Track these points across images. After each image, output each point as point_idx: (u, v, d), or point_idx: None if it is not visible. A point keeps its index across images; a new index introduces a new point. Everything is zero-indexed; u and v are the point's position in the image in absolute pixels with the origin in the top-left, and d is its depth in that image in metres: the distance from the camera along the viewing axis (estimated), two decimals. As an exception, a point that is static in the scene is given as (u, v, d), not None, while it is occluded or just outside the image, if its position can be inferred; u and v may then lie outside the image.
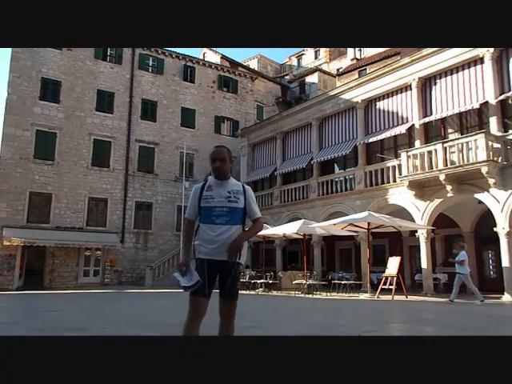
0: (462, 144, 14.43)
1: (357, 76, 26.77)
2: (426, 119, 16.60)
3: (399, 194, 16.89)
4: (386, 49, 29.03)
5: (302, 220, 18.04)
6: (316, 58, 41.90)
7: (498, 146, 13.99)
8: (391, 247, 20.28)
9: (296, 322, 7.54)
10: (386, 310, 10.90)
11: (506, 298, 13.43)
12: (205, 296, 3.00)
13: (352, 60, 34.42)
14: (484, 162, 13.53)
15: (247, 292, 17.79)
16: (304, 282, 16.58)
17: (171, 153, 26.91)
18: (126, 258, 24.60)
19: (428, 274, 16.00)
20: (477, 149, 13.88)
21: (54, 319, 7.74)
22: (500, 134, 14.19)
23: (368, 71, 26.02)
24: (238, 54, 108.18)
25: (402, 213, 16.91)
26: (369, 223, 15.12)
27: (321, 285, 17.00)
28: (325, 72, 36.66)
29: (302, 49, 42.73)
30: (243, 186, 3.24)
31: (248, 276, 19.10)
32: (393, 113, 18.23)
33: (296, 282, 17.37)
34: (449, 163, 14.64)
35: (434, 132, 17.17)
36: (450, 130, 16.94)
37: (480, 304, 11.66)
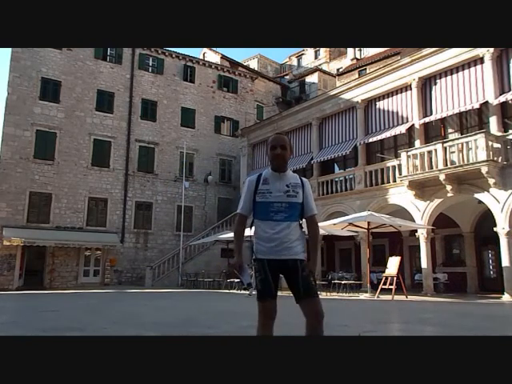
0: (462, 144, 14.43)
1: (357, 76, 26.77)
2: (426, 119, 16.60)
3: (399, 194, 16.89)
4: (385, 49, 29.04)
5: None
6: (316, 57, 41.93)
7: (498, 145, 13.99)
8: (391, 247, 20.29)
9: (296, 322, 7.52)
10: (386, 309, 10.90)
11: (505, 297, 13.43)
12: (272, 298, 2.80)
13: (352, 60, 34.43)
14: (484, 161, 13.53)
15: (248, 292, 17.79)
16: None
17: (171, 153, 26.91)
18: (125, 257, 24.61)
19: (428, 274, 16.00)
20: (477, 149, 13.88)
21: (53, 319, 7.74)
22: (500, 133, 14.19)
23: (368, 71, 26.01)
24: (238, 53, 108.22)
25: (401, 213, 16.91)
26: (369, 223, 15.12)
27: (321, 285, 16.99)
28: (325, 72, 36.67)
29: (301, 49, 42.76)
30: (301, 179, 2.97)
31: (248, 276, 19.09)
32: (393, 113, 18.23)
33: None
34: (449, 163, 14.64)
35: (434, 132, 17.17)
36: (450, 130, 16.95)
37: (248, 296, 13.45)
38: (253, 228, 2.91)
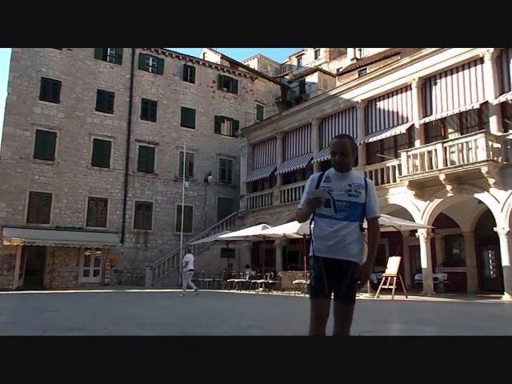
0: (462, 144, 14.43)
1: (357, 76, 26.77)
2: (426, 119, 16.59)
3: (399, 194, 16.89)
4: (385, 49, 29.03)
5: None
6: (316, 57, 41.93)
7: (498, 145, 13.99)
8: (391, 247, 20.28)
9: (296, 322, 7.53)
10: (386, 309, 10.90)
11: (505, 297, 13.43)
12: (325, 296, 2.76)
13: (352, 60, 34.43)
14: (484, 161, 13.53)
15: (247, 292, 17.81)
16: (304, 281, 16.57)
17: (171, 153, 26.90)
18: (125, 257, 24.60)
19: (428, 274, 16.00)
20: (477, 149, 13.88)
21: (54, 319, 7.74)
22: (500, 133, 14.19)
23: (368, 71, 26.00)
24: (238, 53, 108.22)
25: (402, 213, 16.91)
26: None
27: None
28: (325, 72, 36.68)
29: (302, 49, 42.75)
30: (365, 180, 2.98)
31: (248, 276, 19.12)
32: (393, 113, 18.23)
33: (296, 281, 17.37)
34: (449, 163, 14.64)
35: (434, 132, 17.16)
36: (450, 130, 16.94)
37: (182, 296, 14.51)
38: (312, 225, 2.90)
